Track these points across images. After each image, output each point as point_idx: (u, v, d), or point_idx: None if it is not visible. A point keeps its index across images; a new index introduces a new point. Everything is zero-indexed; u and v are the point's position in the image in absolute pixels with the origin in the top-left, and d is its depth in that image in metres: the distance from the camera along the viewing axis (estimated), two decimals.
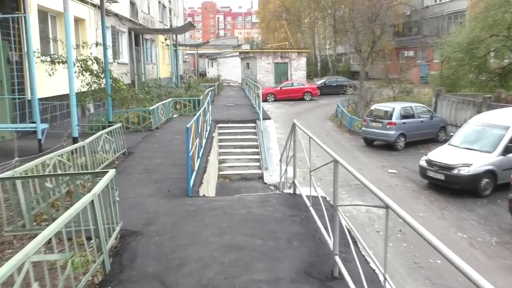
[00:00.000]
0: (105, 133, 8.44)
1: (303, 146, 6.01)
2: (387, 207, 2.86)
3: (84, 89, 12.12)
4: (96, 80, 12.13)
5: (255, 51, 41.12)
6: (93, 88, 12.21)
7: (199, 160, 8.48)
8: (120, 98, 12.97)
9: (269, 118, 15.95)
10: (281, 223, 5.28)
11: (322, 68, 57.48)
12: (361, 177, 3.38)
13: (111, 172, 4.35)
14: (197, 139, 8.33)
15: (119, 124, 9.50)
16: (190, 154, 6.83)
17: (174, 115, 16.90)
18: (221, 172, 13.04)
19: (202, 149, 9.57)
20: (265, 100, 30.22)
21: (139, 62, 25.74)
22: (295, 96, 34.66)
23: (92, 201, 3.65)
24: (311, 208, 5.43)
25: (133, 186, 7.13)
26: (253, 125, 15.34)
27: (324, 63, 58.54)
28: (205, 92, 20.45)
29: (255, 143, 14.45)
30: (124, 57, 22.39)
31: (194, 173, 7.56)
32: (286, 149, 8.26)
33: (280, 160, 9.55)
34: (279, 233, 4.95)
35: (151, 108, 13.27)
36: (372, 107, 18.94)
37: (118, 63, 20.63)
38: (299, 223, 5.30)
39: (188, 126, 6.49)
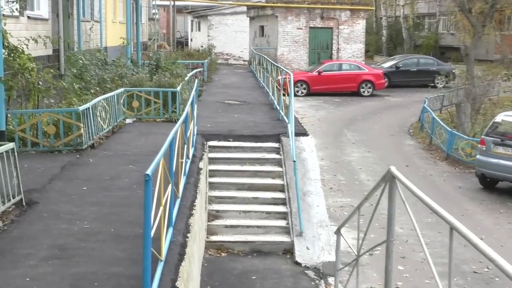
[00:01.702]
0: None
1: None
2: None
3: None
4: None
5: (276, 6, 40.00)
6: None
7: (170, 231, 6.85)
8: (23, 86, 11.51)
9: (305, 134, 14.86)
10: None
11: (390, 40, 56.57)
12: None
13: None
14: (169, 188, 6.72)
15: (9, 145, 7.95)
16: (152, 230, 5.19)
17: (128, 119, 15.77)
18: (213, 238, 11.78)
19: (178, 202, 7.97)
20: None
21: (69, 18, 24.52)
22: (345, 88, 34.07)
23: None
24: None
25: None
26: (276, 145, 14.23)
27: (394, 31, 57.61)
28: (187, 78, 19.06)
29: (278, 181, 13.24)
30: (41, 7, 21.09)
31: (161, 265, 5.96)
32: (356, 213, 6.74)
33: (338, 231, 7.98)
34: None
35: (81, 108, 11.81)
36: (498, 118, 17.38)
37: (29, 17, 19.34)
38: None
39: (148, 172, 4.82)
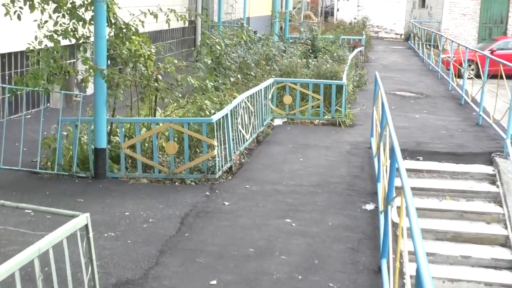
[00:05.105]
0: None
1: None
2: None
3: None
4: (72, 25, 8.03)
5: None
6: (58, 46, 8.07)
7: None
8: (135, 81, 7.99)
9: None
10: None
11: None
12: None
13: None
14: None
15: (78, 221, 4.23)
16: None
17: (276, 120, 12.11)
18: None
19: None
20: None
21: None
22: None
23: None
24: None
25: None
26: (487, 170, 10.12)
27: None
28: (349, 61, 14.96)
29: (497, 228, 9.02)
30: None
31: None
32: None
33: None
34: None
35: (216, 117, 8.01)
36: None
37: None
38: None
39: None
